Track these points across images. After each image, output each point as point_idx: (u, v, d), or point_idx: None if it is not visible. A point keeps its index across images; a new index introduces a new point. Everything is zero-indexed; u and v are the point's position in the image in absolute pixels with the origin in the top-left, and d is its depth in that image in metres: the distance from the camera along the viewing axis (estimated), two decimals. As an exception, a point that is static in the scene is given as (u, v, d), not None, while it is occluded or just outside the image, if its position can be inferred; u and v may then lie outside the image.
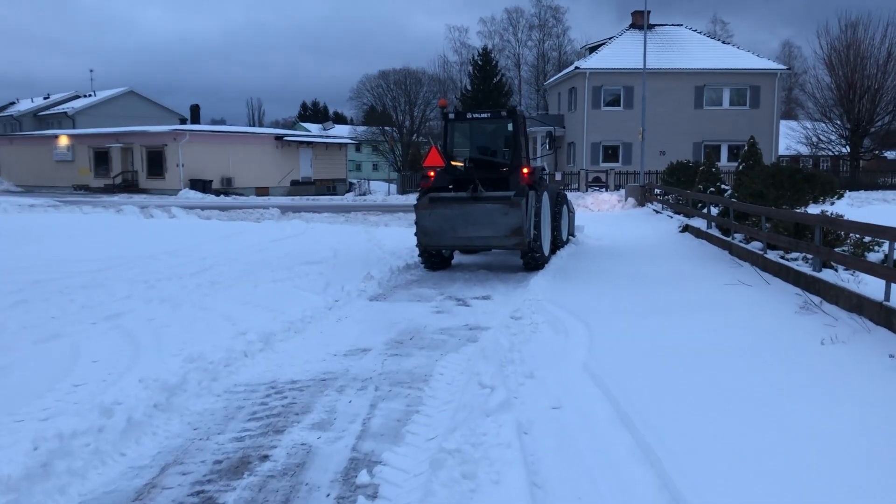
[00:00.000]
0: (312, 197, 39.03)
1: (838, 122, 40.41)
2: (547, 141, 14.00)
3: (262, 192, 46.96)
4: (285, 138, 52.21)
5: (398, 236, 19.01)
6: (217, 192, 43.65)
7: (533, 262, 13.05)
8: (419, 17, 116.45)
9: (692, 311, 9.30)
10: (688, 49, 46.95)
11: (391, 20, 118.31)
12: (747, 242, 13.05)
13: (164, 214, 24.95)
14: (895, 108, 38.79)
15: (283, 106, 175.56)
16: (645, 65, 31.42)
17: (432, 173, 13.44)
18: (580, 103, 45.06)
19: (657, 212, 22.39)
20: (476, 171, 13.32)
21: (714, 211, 16.13)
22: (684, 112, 44.65)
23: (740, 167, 15.21)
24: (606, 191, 34.83)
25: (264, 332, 8.20)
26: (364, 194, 41.84)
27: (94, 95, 71.26)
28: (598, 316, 9.09)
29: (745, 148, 15.30)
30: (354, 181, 58.80)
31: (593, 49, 49.81)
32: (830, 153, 43.55)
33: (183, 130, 47.11)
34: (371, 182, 52.77)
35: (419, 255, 13.61)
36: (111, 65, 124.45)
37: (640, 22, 50.33)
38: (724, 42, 48.66)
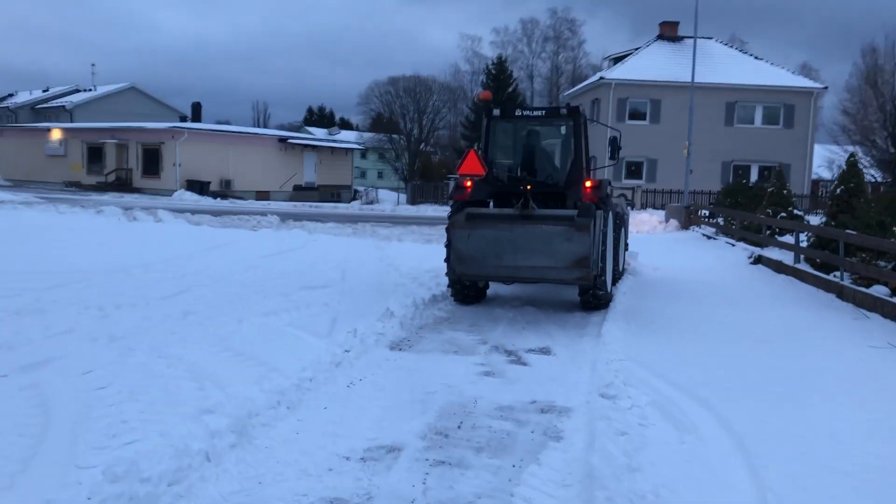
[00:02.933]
0: (316, 204, 36.30)
1: (882, 147, 37.71)
2: (610, 149, 11.20)
3: (262, 196, 44.27)
4: (290, 140, 49.62)
5: (415, 255, 16.27)
6: (215, 195, 40.96)
7: (595, 300, 10.31)
8: (433, 27, 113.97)
9: (858, 391, 6.54)
10: (718, 63, 44.29)
11: (405, 31, 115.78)
12: (867, 285, 10.30)
13: (149, 218, 22.21)
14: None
15: (289, 110, 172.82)
16: (693, 76, 29.02)
17: (469, 183, 10.70)
18: (603, 116, 42.35)
19: (709, 237, 19.62)
20: (526, 182, 10.63)
21: (802, 240, 13.37)
22: (714, 129, 41.96)
23: (837, 190, 12.48)
24: (641, 210, 32.08)
25: (242, 412, 5.45)
26: (371, 203, 39.11)
27: (95, 90, 68.65)
28: (723, 396, 6.33)
29: (844, 168, 12.56)
30: (360, 188, 56.15)
31: (617, 60, 47.16)
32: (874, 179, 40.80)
33: (181, 128, 44.52)
34: (379, 190, 50.00)
35: (449, 286, 10.86)
36: (119, 62, 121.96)
37: (669, 33, 47.82)
38: (756, 58, 45.98)
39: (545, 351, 8.23)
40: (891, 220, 10.40)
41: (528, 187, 9.82)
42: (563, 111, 10.68)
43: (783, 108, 42.79)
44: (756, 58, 45.96)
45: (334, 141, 58.51)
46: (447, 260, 10.47)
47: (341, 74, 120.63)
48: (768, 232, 15.93)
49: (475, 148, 10.95)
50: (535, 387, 6.77)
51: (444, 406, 6.14)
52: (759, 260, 14.65)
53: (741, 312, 10.27)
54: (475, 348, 8.26)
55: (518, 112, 10.88)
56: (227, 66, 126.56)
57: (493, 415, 5.95)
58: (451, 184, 46.46)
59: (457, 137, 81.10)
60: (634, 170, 42.82)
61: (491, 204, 10.87)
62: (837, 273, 11.63)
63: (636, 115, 42.60)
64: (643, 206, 37.45)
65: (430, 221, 26.55)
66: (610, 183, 11.78)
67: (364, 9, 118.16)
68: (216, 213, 24.70)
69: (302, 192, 47.65)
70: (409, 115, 68.83)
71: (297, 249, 16.83)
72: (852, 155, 12.87)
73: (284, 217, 24.57)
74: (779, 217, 15.97)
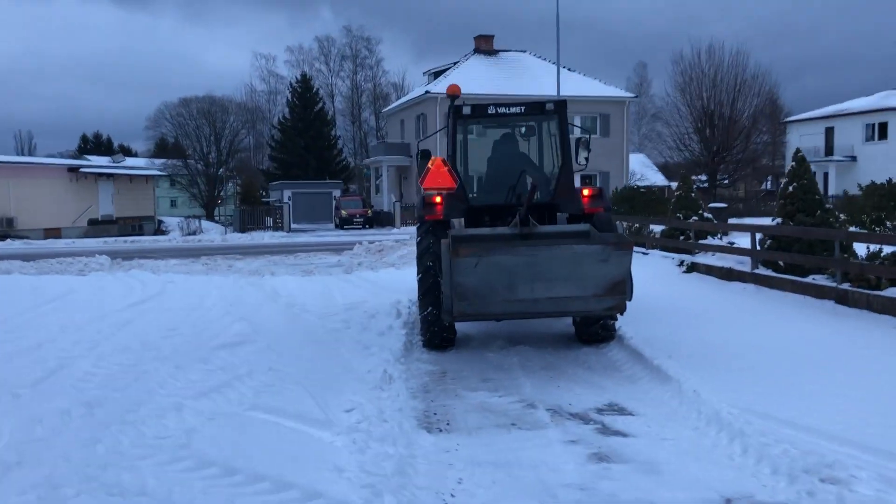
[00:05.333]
0: (132, 238, 31.78)
1: (696, 151, 39.72)
2: (585, 151, 9.47)
3: (52, 233, 38.55)
4: (81, 170, 43.96)
5: (310, 291, 13.79)
6: (-4, 236, 35.02)
7: (605, 332, 8.58)
8: (219, 48, 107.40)
9: None
10: (535, 75, 44.83)
11: (188, 52, 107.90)
12: (880, 286, 9.38)
13: (-64, 269, 17.66)
14: (749, 135, 38.64)
15: (59, 139, 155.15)
16: (559, 90, 28.52)
17: (439, 198, 8.59)
18: (432, 130, 41.24)
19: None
20: (502, 194, 8.79)
21: (744, 243, 12.48)
22: (538, 140, 42.25)
23: (789, 188, 11.70)
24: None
25: None
26: (194, 233, 35.02)
27: None
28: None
29: (793, 164, 11.81)
30: (165, 219, 50.94)
31: (437, 74, 46.44)
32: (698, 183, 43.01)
33: (-53, 160, 37.82)
34: (202, 220, 45.22)
35: (424, 330, 8.62)
36: None
37: (485, 47, 47.90)
38: (569, 69, 47.04)
39: (618, 409, 6.34)
40: (884, 214, 9.63)
41: (532, 196, 7.85)
42: (550, 106, 8.87)
43: (599, 118, 43.99)
44: (569, 69, 46.99)
45: (133, 168, 52.96)
46: (427, 295, 8.29)
47: (119, 99, 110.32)
48: (681, 237, 15.11)
49: (440, 156, 8.88)
50: (688, 473, 4.88)
51: (625, 528, 4.05)
52: (692, 268, 13.68)
53: (762, 331, 8.94)
54: (532, 416, 6.20)
55: (493, 109, 8.92)
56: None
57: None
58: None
59: (259, 160, 77.04)
60: (465, 184, 42.04)
61: (462, 223, 8.85)
62: (815, 277, 10.77)
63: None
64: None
65: (281, 249, 23.79)
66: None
67: (139, 30, 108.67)
68: (28, 258, 20.30)
69: (99, 226, 42.24)
70: (206, 138, 64.19)
71: (159, 295, 13.66)
72: (798, 150, 12.16)
73: (113, 256, 20.74)
74: (691, 220, 15.23)
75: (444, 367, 7.93)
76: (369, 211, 42.13)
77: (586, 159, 9.68)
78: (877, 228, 10.29)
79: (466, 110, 8.92)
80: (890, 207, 9.89)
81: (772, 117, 52.20)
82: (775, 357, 7.70)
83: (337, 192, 46.10)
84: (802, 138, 52.74)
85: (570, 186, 8.77)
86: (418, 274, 8.51)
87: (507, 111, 8.95)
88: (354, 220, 40.48)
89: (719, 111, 38.35)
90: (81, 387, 7.17)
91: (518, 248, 7.36)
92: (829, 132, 50.28)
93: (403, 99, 49.47)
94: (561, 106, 8.93)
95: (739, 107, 38.58)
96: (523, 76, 43.97)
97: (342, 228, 40.39)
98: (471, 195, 8.96)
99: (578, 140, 9.63)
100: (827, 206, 11.75)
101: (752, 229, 12.31)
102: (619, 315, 8.09)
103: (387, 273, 16.20)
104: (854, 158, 46.68)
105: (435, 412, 6.36)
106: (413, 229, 31.88)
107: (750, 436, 5.28)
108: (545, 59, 48.46)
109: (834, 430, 5.37)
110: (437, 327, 8.42)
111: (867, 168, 45.04)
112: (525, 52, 47.88)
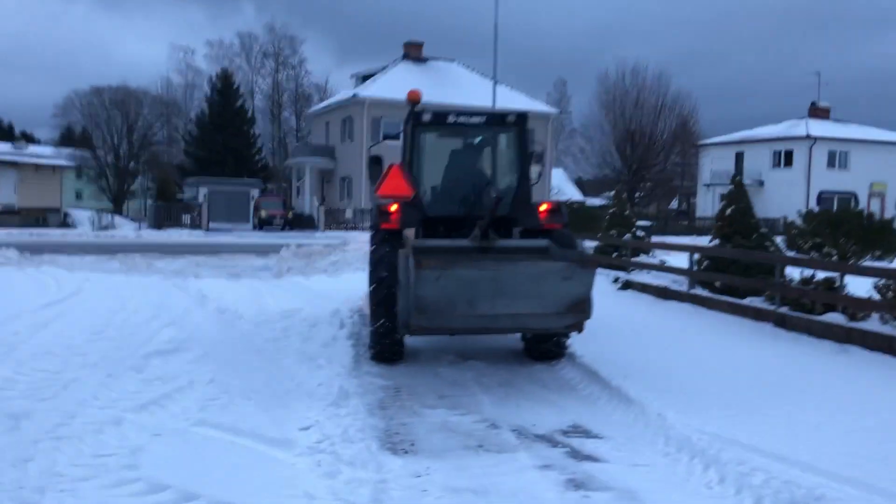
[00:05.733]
0: (36, 231, 30.05)
1: (617, 168, 40.59)
2: (538, 165, 9.46)
3: (-53, 222, 36.28)
4: (-19, 156, 41.56)
5: (240, 295, 13.30)
6: None
7: (557, 349, 8.49)
8: (133, 37, 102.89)
9: None
10: (463, 86, 44.86)
11: (101, 40, 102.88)
12: (817, 312, 9.60)
13: None
14: (667, 155, 39.75)
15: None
16: (494, 101, 28.57)
17: (395, 207, 8.31)
18: (358, 134, 40.80)
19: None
20: (458, 205, 8.61)
21: (680, 263, 12.66)
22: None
23: (728, 211, 11.93)
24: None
25: None
26: (106, 228, 33.44)
27: None
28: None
29: (732, 188, 12.06)
30: (81, 211, 48.46)
31: (365, 78, 45.93)
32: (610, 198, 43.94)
33: None
34: (109, 215, 43.10)
35: (374, 343, 8.29)
36: None
37: (414, 54, 47.73)
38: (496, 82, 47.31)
39: (584, 431, 6.20)
40: (822, 241, 9.89)
41: (495, 208, 7.73)
42: (511, 118, 8.75)
43: (525, 132, 44.36)
44: (496, 82, 47.27)
45: (39, 157, 50.44)
46: (380, 307, 7.98)
47: (23, 83, 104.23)
48: (616, 254, 15.26)
49: (399, 163, 8.64)
50: (670, 503, 4.73)
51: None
52: (628, 285, 13.79)
53: (710, 352, 9.00)
54: (498, 438, 6.00)
55: (453, 119, 8.70)
56: None
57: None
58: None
59: (173, 154, 74.41)
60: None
61: (418, 232, 8.60)
62: (751, 299, 10.99)
63: (392, 135, 41.49)
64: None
65: (202, 249, 22.87)
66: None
67: (49, 13, 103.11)
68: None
69: (1, 216, 40.01)
70: (118, 129, 61.61)
71: (76, 295, 12.88)
72: (738, 175, 12.44)
73: (21, 249, 19.52)
74: (624, 238, 15.41)
75: (398, 383, 7.64)
76: (290, 213, 41.15)
77: (539, 174, 9.67)
78: (815, 254, 10.57)
79: (426, 117, 8.66)
80: (827, 234, 10.19)
81: (686, 140, 53.97)
82: (730, 379, 7.74)
83: (256, 192, 44.87)
84: (714, 161, 54.71)
85: (527, 200, 8.66)
86: (371, 284, 8.18)
87: (468, 121, 8.78)
88: (274, 221, 39.46)
89: (640, 130, 39.30)
90: (3, 396, 6.57)
91: (482, 262, 7.17)
92: (740, 157, 52.24)
93: (330, 101, 48.72)
94: (522, 119, 8.83)
95: (660, 127, 39.67)
96: (452, 85, 43.91)
97: (261, 229, 39.29)
98: (426, 205, 8.71)
99: (531, 153, 9.55)
100: (762, 229, 12.03)
101: (691, 249, 12.49)
102: (574, 333, 7.99)
103: (319, 280, 15.76)
104: (762, 183, 48.59)
105: (396, 431, 6.07)
106: (338, 233, 31.39)
107: (726, 464, 5.21)
108: (473, 70, 48.66)
109: (806, 459, 5.35)
110: (388, 340, 8.13)
111: (773, 193, 47.02)
112: (454, 61, 47.94)
